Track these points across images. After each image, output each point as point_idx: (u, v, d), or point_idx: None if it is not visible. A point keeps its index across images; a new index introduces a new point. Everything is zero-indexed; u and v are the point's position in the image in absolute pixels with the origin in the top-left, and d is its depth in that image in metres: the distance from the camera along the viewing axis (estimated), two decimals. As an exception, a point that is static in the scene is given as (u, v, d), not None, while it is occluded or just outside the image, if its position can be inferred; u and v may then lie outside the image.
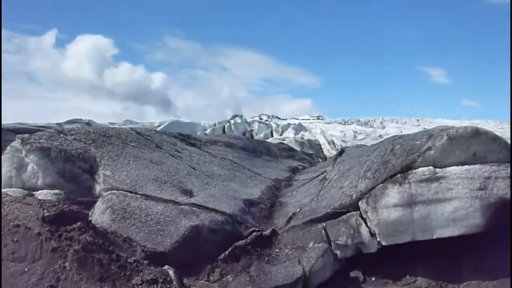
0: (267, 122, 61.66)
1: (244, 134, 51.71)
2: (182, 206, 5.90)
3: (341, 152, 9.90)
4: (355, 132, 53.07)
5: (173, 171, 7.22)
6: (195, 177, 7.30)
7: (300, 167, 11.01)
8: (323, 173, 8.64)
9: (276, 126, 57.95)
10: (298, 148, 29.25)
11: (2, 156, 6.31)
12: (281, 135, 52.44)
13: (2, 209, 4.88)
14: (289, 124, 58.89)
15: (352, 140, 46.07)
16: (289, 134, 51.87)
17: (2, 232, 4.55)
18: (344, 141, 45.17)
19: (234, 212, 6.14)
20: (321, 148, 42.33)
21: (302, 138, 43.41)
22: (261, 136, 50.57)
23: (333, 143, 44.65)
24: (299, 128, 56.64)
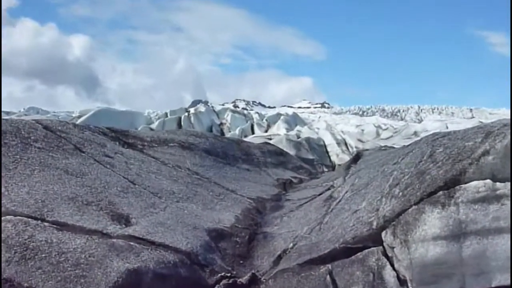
0: (245, 112, 61.37)
1: (210, 129, 51.64)
2: (114, 240, 5.87)
3: (356, 157, 10.08)
4: (378, 127, 53.65)
5: (100, 186, 7.22)
6: (134, 195, 7.33)
7: (294, 180, 11.14)
8: (329, 189, 8.91)
9: (259, 118, 57.72)
10: (292, 152, 29.08)
11: None
12: (266, 131, 52.61)
13: None
14: (279, 115, 58.57)
15: (373, 140, 46.62)
16: (279, 129, 52.11)
17: None
18: (361, 141, 45.97)
19: (194, 249, 6.14)
20: (327, 152, 42.97)
21: (299, 137, 43.72)
22: (236, 132, 50.66)
23: (345, 144, 45.21)
24: (293, 120, 56.38)
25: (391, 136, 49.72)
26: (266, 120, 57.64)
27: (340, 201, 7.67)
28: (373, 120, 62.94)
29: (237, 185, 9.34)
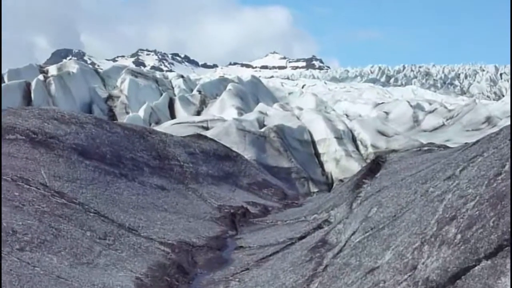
0: (158, 75, 61.86)
1: (89, 108, 51.25)
2: None
3: (374, 166, 10.61)
4: (417, 107, 53.79)
5: None
6: None
7: (253, 210, 11.70)
8: (320, 227, 9.30)
9: (186, 87, 57.92)
10: (249, 153, 28.48)
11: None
12: (199, 112, 52.40)
13: None
14: (224, 82, 58.94)
15: (408, 132, 46.18)
16: (223, 109, 51.85)
17: None
18: (383, 134, 45.38)
19: None
20: (317, 155, 42.98)
21: (262, 124, 43.95)
22: (139, 114, 50.52)
23: (353, 140, 45.10)
24: (252, 92, 56.87)
25: (442, 126, 49.10)
26: (200, 91, 56.61)
27: (341, 250, 7.89)
28: (407, 93, 62.62)
29: (140, 217, 9.55)
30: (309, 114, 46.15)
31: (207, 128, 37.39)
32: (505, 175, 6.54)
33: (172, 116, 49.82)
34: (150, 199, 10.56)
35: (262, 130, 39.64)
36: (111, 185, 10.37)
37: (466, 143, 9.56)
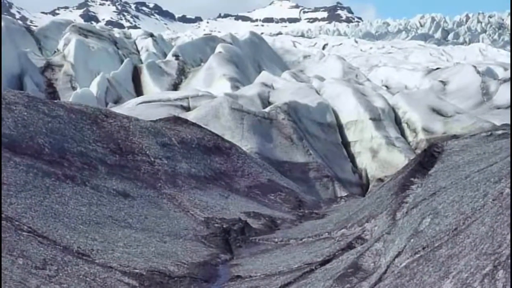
0: (117, 33, 61.76)
1: (19, 81, 51.15)
2: None
3: (427, 157, 10.82)
4: (485, 76, 53.77)
5: None
6: None
7: (254, 224, 11.76)
8: (351, 246, 9.42)
9: (157, 48, 57.89)
10: (247, 143, 28.46)
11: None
12: (176, 85, 52.14)
13: None
14: (209, 41, 58.85)
15: (476, 109, 45.93)
16: (211, 81, 51.52)
17: None
18: (441, 114, 45.31)
19: None
20: (344, 144, 43.59)
21: (266, 101, 44.42)
22: (92, 90, 50.14)
23: (396, 122, 45.75)
24: (251, 54, 56.65)
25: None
26: (177, 55, 56.65)
27: (381, 280, 7.96)
28: (473, 54, 62.57)
29: (94, 237, 9.69)
30: (333, 87, 46.10)
31: (188, 109, 37.38)
32: None
33: (138, 92, 49.73)
34: (108, 210, 10.40)
35: (267, 110, 39.41)
36: (51, 192, 10.18)
37: None
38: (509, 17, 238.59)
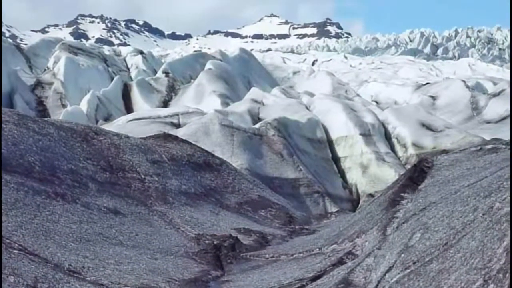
0: (107, 50, 61.62)
1: (9, 101, 51.05)
2: None
3: (417, 172, 10.77)
4: (476, 89, 53.82)
5: None
6: None
7: (245, 241, 11.75)
8: (341, 261, 9.49)
9: (147, 65, 57.67)
10: (238, 160, 28.38)
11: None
12: (166, 103, 52.12)
13: None
14: (200, 58, 58.81)
15: (466, 123, 46.04)
16: (201, 98, 51.41)
17: None
18: (430, 129, 45.25)
19: None
20: (335, 160, 43.62)
21: (257, 118, 44.45)
22: (82, 108, 50.06)
23: (386, 137, 45.57)
24: (241, 71, 56.63)
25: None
26: (167, 72, 56.54)
27: None
28: (462, 69, 62.62)
29: (85, 254, 9.66)
30: (323, 102, 46.08)
31: (178, 126, 37.37)
32: None
33: (128, 109, 49.59)
34: (99, 228, 10.45)
35: (257, 126, 39.47)
36: (42, 210, 10.24)
37: None
38: (498, 31, 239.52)
